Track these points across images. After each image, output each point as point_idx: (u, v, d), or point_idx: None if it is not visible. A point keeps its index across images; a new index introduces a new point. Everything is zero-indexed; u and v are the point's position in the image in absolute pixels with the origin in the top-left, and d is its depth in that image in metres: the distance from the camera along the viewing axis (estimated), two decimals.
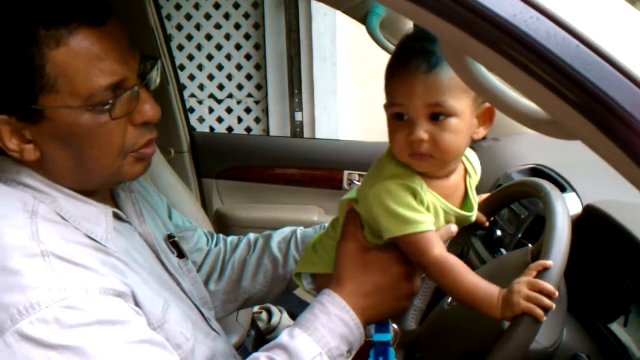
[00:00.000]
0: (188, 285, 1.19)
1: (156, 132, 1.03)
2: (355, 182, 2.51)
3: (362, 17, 2.07)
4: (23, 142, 0.93)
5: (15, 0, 0.89)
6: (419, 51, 0.96)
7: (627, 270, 1.18)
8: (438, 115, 0.97)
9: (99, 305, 0.86)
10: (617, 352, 1.12)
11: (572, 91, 0.67)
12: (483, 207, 1.22)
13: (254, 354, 1.00)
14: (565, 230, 0.98)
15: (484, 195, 1.25)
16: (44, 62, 0.89)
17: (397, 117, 1.00)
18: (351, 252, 1.05)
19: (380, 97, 1.03)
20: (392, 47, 2.14)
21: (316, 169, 2.54)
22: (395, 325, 1.11)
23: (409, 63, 0.97)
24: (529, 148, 1.99)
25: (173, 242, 1.20)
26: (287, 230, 1.40)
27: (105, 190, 1.09)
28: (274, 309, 2.01)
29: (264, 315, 1.95)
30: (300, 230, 1.39)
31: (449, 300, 1.19)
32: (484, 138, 2.62)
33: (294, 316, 1.86)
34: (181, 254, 1.21)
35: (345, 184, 2.52)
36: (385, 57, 1.02)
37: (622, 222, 1.16)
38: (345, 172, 2.51)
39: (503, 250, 1.32)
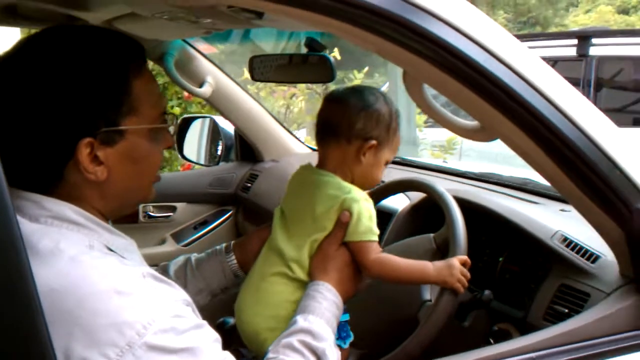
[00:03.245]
0: None
1: None
2: (151, 214, 2.60)
3: (158, 59, 2.19)
4: (95, 164, 1.01)
5: (107, 40, 1.06)
6: None
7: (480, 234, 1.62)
8: None
9: (188, 312, 0.97)
10: None
11: (504, 102, 1.03)
12: (374, 191, 1.51)
13: (287, 340, 1.13)
14: (464, 226, 1.34)
15: None
16: (131, 89, 1.04)
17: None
18: (333, 251, 1.27)
19: None
20: (188, 85, 2.30)
21: None
22: None
23: None
24: None
25: None
26: (181, 258, 1.47)
27: None
28: None
29: None
30: (193, 256, 1.47)
31: None
32: (263, 160, 2.91)
33: None
34: None
35: (141, 217, 2.59)
36: None
37: (480, 202, 1.59)
38: (140, 206, 2.57)
39: None
